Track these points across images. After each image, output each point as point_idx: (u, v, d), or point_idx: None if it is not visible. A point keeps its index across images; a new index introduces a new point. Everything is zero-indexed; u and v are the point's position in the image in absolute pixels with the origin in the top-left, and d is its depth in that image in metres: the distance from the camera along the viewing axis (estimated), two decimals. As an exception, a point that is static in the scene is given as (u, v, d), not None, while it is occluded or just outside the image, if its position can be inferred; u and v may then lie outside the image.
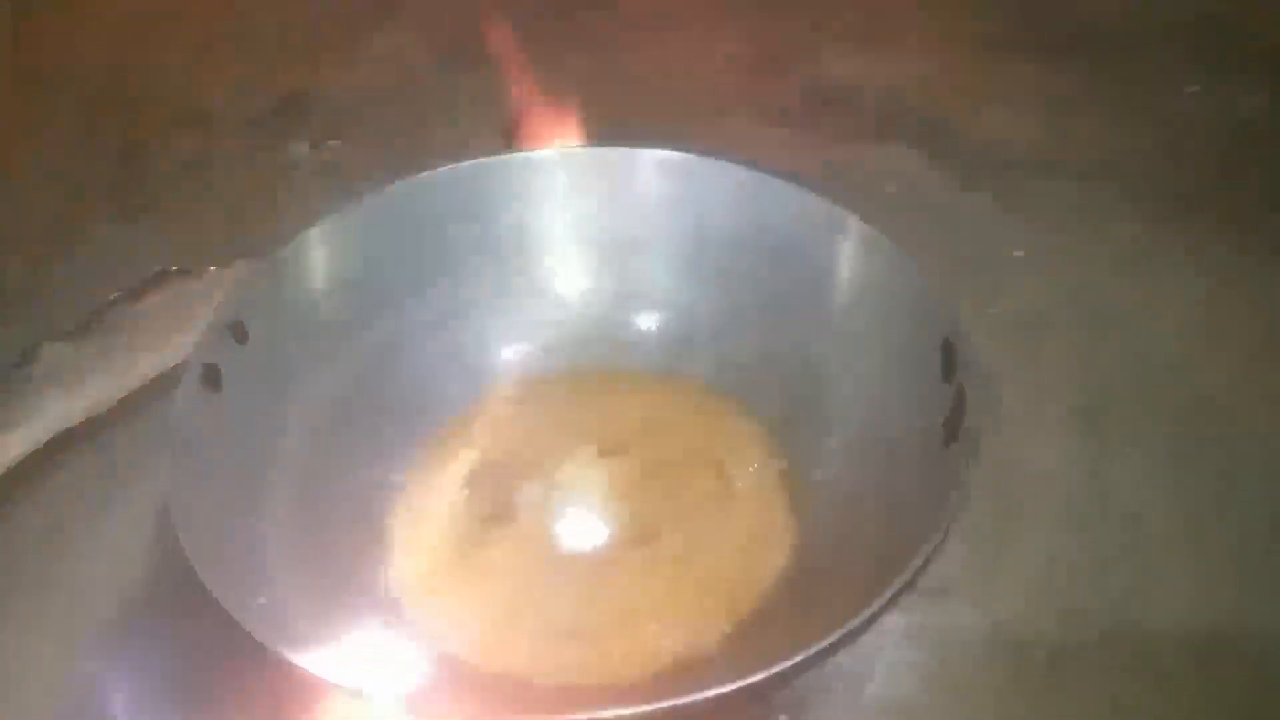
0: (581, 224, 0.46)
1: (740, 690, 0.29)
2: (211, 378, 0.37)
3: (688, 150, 0.45)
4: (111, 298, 0.51)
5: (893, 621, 0.39)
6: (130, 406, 0.47)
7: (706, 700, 0.29)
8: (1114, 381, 0.48)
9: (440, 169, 0.44)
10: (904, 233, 0.42)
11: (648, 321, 0.46)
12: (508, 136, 0.60)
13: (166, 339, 0.49)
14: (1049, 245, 0.54)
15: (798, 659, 0.30)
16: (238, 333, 0.38)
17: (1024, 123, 0.61)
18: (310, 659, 0.30)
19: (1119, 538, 0.42)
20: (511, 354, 0.46)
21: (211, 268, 0.53)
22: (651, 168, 0.45)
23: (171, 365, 0.47)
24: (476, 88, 0.64)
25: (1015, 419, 0.46)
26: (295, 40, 0.70)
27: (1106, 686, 0.38)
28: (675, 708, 0.29)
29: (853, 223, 0.42)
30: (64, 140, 0.62)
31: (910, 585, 0.32)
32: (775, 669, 0.29)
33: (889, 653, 0.39)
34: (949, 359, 0.37)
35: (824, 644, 0.30)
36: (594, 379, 0.45)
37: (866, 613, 0.30)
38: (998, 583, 0.41)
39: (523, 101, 0.60)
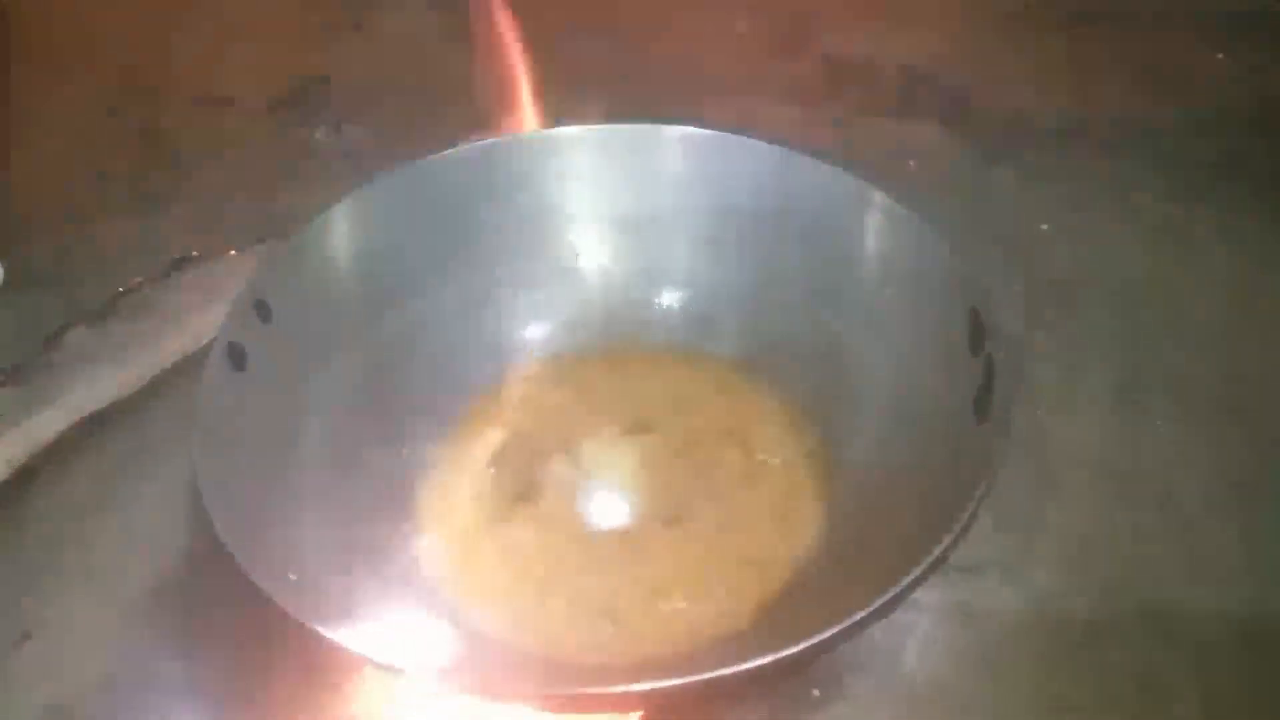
0: (605, 201, 0.45)
1: (774, 664, 0.29)
2: (237, 357, 0.37)
3: (710, 127, 0.45)
4: (135, 282, 0.52)
5: (927, 598, 0.39)
6: (156, 389, 0.48)
7: (740, 674, 0.29)
8: (1146, 356, 0.47)
9: (462, 147, 0.44)
10: (928, 208, 0.41)
11: (672, 299, 0.46)
12: (525, 115, 0.60)
13: (190, 322, 0.50)
14: (1076, 219, 0.53)
15: (831, 632, 0.29)
16: (262, 312, 0.38)
17: (1048, 94, 0.61)
18: (342, 634, 0.30)
19: (1154, 513, 0.42)
20: (536, 332, 0.46)
21: (232, 252, 0.53)
22: (675, 144, 0.45)
23: (195, 348, 0.48)
24: (494, 68, 0.64)
25: (1047, 394, 0.46)
26: (312, 23, 0.69)
27: (1144, 663, 0.38)
28: (709, 682, 0.29)
29: (878, 197, 0.41)
30: (85, 126, 0.63)
31: (943, 561, 0.31)
32: (809, 642, 0.29)
33: (923, 629, 0.39)
34: (977, 333, 0.37)
35: (859, 616, 0.30)
36: (620, 357, 0.45)
37: (901, 584, 0.30)
38: (1032, 559, 0.41)
39: (540, 80, 0.60)
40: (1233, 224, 0.53)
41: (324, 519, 0.36)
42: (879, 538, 0.37)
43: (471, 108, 0.61)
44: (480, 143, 0.44)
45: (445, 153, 0.44)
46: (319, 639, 0.29)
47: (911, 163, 0.56)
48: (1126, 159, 0.56)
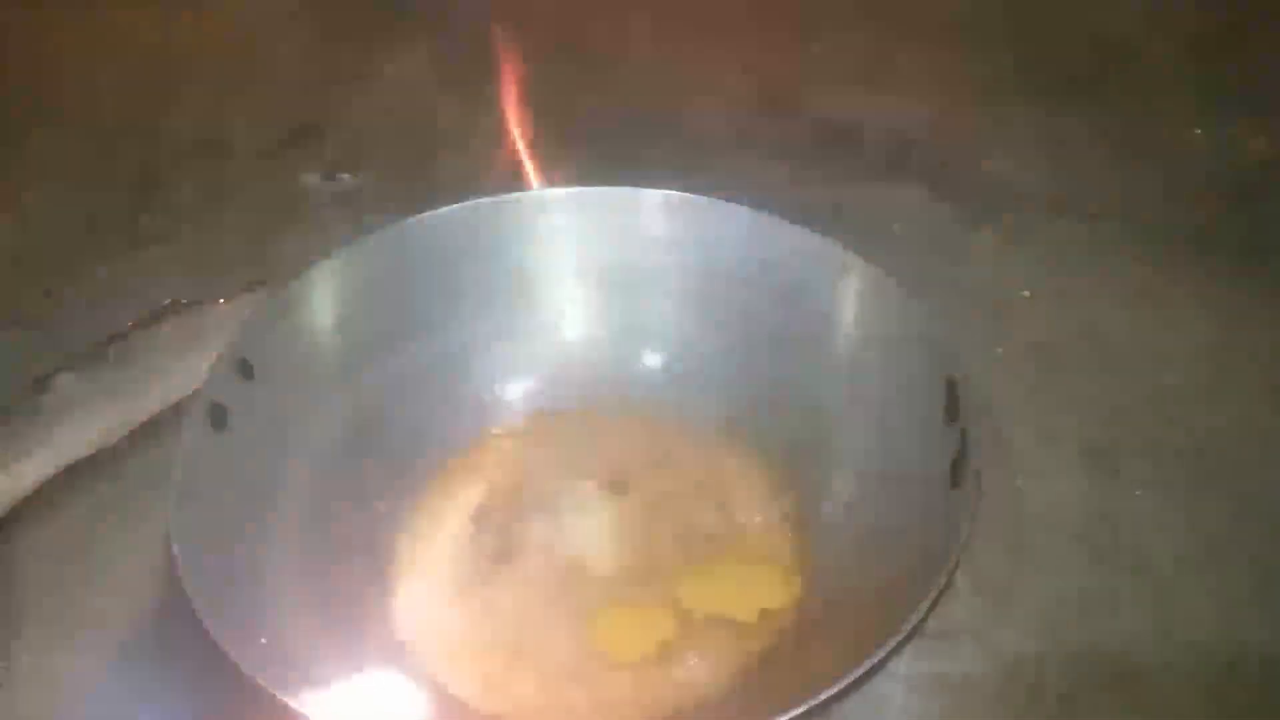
0: (588, 262, 0.46)
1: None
2: (218, 417, 0.37)
3: (693, 190, 0.45)
4: (124, 327, 0.52)
5: (899, 667, 0.39)
6: (140, 437, 0.48)
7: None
8: (1122, 421, 0.48)
9: (448, 207, 0.44)
10: (911, 272, 0.42)
11: (653, 359, 0.46)
12: (516, 171, 0.61)
13: (177, 370, 0.50)
14: (1056, 285, 0.54)
15: (800, 709, 0.29)
16: (244, 370, 0.38)
17: (1030, 162, 0.61)
18: (312, 703, 0.30)
19: (1129, 578, 0.42)
20: (517, 391, 0.46)
21: (220, 300, 0.53)
22: (658, 207, 0.45)
23: (182, 396, 0.48)
24: (487, 121, 0.65)
25: (1024, 459, 0.46)
26: (311, 70, 0.70)
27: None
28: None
29: (858, 264, 0.42)
30: (79, 170, 0.63)
31: (917, 630, 0.31)
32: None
33: (896, 699, 0.39)
34: (953, 403, 0.37)
35: (827, 694, 0.30)
36: (599, 416, 0.45)
37: (869, 662, 0.30)
38: (1007, 626, 0.41)
39: (531, 138, 0.61)
40: (1209, 293, 0.53)
41: (299, 580, 0.36)
42: (854, 603, 0.37)
43: (465, 157, 0.62)
44: (466, 203, 0.45)
45: (431, 212, 0.44)
46: (288, 710, 0.29)
47: (896, 225, 0.57)
48: (1106, 227, 0.57)
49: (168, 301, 0.53)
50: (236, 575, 0.34)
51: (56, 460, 0.47)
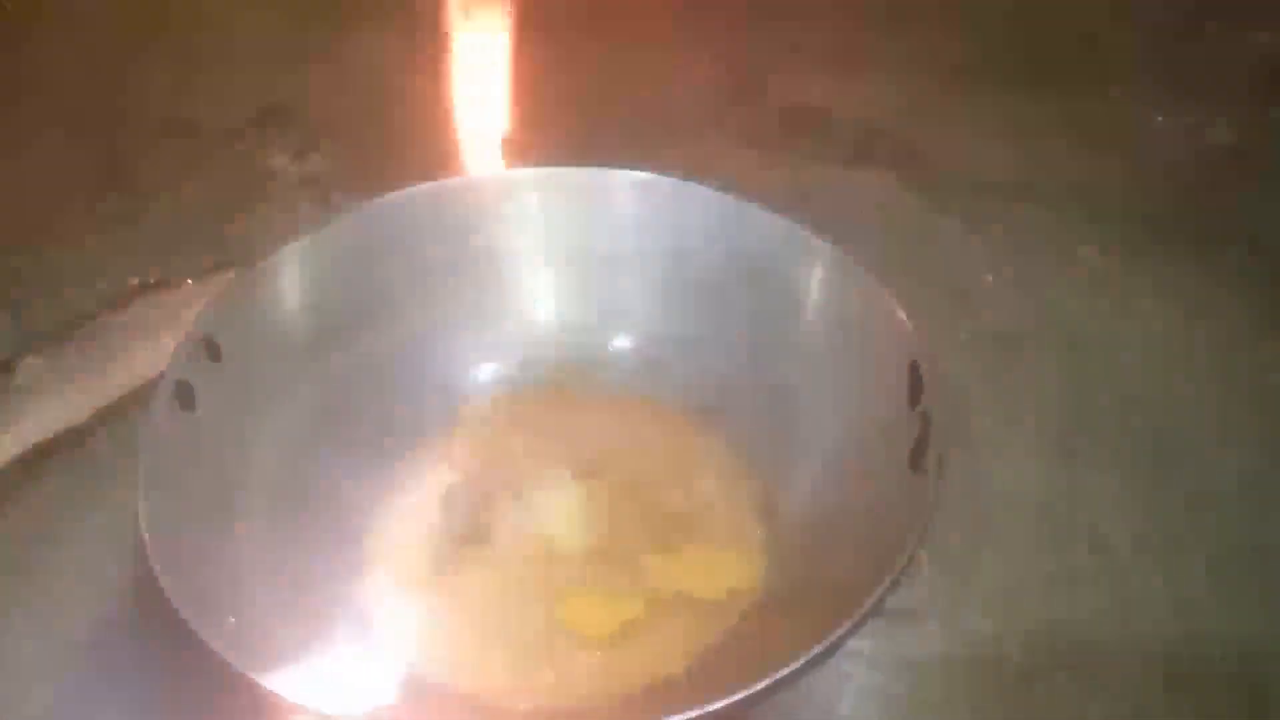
0: (557, 244, 0.46)
1: (705, 716, 0.30)
2: (185, 396, 0.37)
3: (662, 172, 0.45)
4: (91, 310, 0.52)
5: (861, 645, 0.40)
6: (106, 418, 0.47)
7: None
8: (1083, 405, 0.49)
9: (416, 187, 0.44)
10: (876, 257, 0.42)
11: (622, 342, 0.46)
12: (485, 152, 0.61)
13: (144, 351, 0.50)
14: (1019, 270, 0.55)
15: (763, 685, 0.30)
16: (211, 350, 0.38)
17: (995, 148, 0.62)
18: (280, 681, 0.30)
19: (1088, 559, 0.43)
20: (486, 374, 0.46)
21: (188, 280, 0.53)
22: (627, 189, 0.45)
23: (149, 377, 0.48)
24: (455, 102, 0.65)
25: (985, 442, 0.47)
26: (280, 52, 0.70)
27: (1077, 708, 0.39)
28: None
29: (823, 248, 0.42)
30: (45, 151, 0.62)
31: (878, 609, 0.32)
32: (740, 695, 0.30)
33: (858, 677, 0.39)
34: (916, 386, 0.37)
35: (789, 670, 0.30)
36: (568, 400, 0.46)
37: (829, 639, 0.31)
38: (967, 605, 0.42)
39: (500, 119, 0.61)
40: (1170, 278, 0.54)
41: (268, 561, 0.36)
42: (818, 583, 0.38)
43: (432, 140, 0.62)
44: (432, 184, 0.44)
45: (399, 193, 0.44)
46: (256, 687, 0.29)
47: (862, 211, 0.57)
48: (1069, 213, 0.57)
49: (134, 282, 0.53)
50: (205, 556, 0.34)
51: (19, 443, 0.46)
